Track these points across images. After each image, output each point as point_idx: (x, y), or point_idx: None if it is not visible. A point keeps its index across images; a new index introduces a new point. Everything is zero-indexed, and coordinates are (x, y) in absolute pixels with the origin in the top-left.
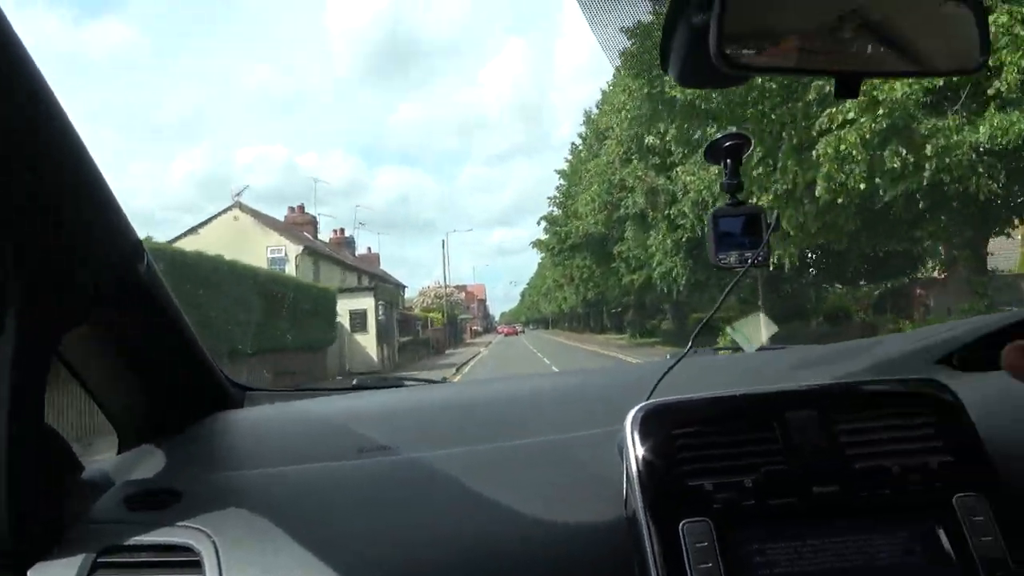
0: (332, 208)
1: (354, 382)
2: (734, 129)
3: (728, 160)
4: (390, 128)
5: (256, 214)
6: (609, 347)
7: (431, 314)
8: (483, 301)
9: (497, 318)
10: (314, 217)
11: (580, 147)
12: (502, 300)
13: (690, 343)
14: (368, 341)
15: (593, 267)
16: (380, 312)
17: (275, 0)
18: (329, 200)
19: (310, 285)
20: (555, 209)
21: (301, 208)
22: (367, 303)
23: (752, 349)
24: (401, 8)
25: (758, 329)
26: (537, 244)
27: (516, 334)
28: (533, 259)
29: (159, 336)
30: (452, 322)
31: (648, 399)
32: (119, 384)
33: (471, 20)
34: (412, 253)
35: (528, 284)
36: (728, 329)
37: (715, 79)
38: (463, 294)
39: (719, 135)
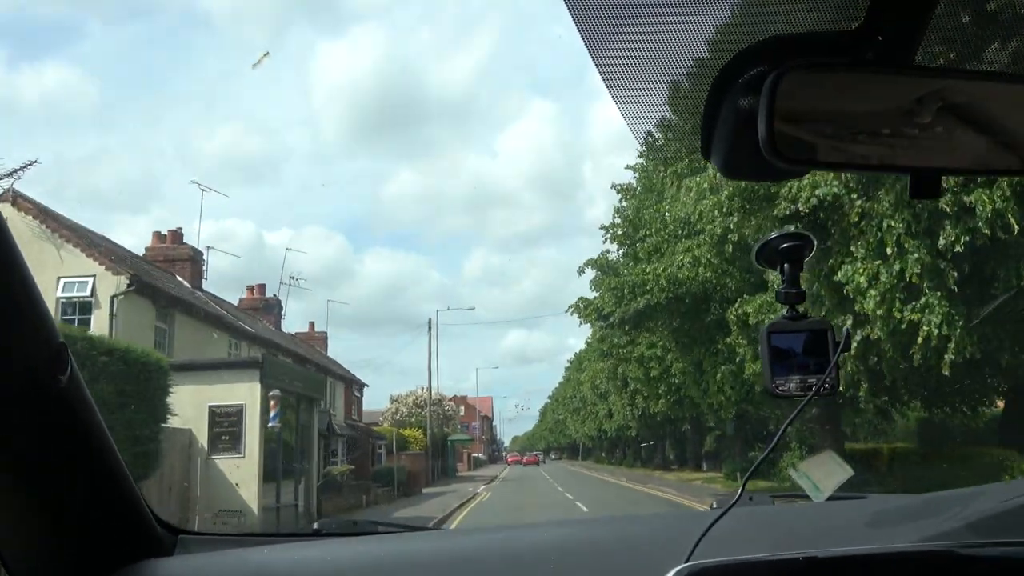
0: (307, 300)
1: (315, 526)
2: (792, 228)
3: (786, 265)
4: (383, 203)
5: (47, 214)
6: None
7: (408, 432)
8: (488, 419)
9: (507, 443)
10: (279, 301)
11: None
12: (514, 422)
13: (741, 488)
14: (245, 470)
15: (672, 353)
16: (275, 413)
17: (246, 45)
18: (303, 289)
19: (112, 344)
20: (613, 248)
21: (261, 289)
22: (248, 392)
23: (821, 498)
24: (403, 58)
25: (829, 473)
26: (579, 309)
27: (535, 463)
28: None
29: (77, 461)
30: (439, 445)
31: (688, 560)
32: (18, 517)
33: (488, 75)
34: (405, 359)
35: (552, 397)
36: (791, 472)
37: (765, 171)
38: (461, 407)
39: (774, 235)
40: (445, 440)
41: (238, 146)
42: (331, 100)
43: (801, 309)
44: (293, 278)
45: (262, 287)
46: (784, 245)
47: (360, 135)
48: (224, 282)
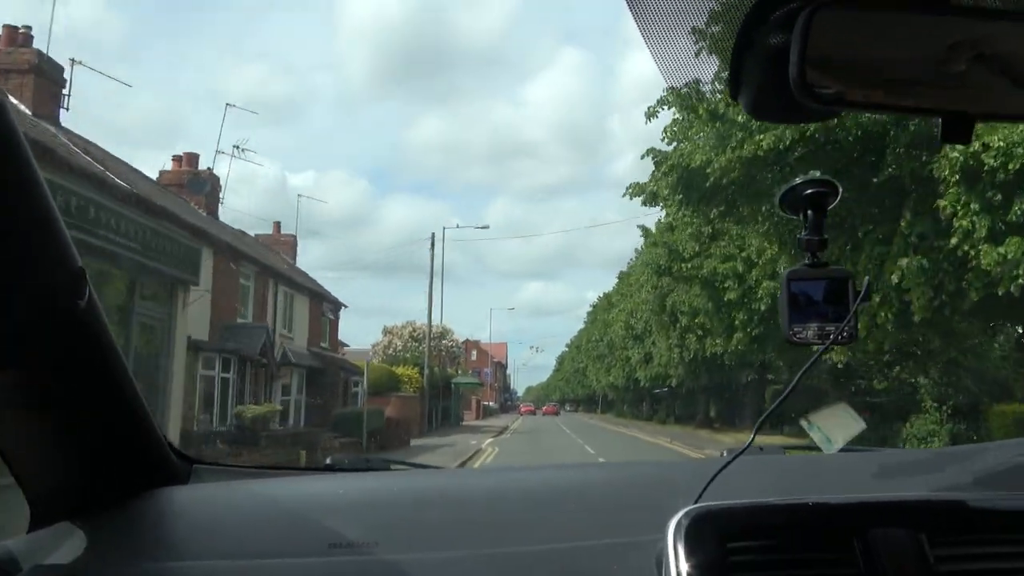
0: (331, 242)
1: (328, 461)
2: (818, 174)
3: (809, 212)
4: (406, 149)
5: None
6: None
7: (401, 370)
8: (502, 366)
9: (520, 393)
10: (214, 178)
11: None
12: (528, 372)
13: (752, 436)
14: None
15: (762, 267)
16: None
17: None
18: (326, 231)
19: None
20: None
21: (192, 160)
22: None
23: (832, 450)
24: (432, 1)
25: (842, 425)
26: (638, 189)
27: (554, 414)
28: (574, 325)
29: (94, 389)
30: (440, 388)
31: (696, 502)
32: (38, 444)
33: (516, 22)
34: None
35: (571, 345)
36: (804, 423)
37: (794, 112)
38: (473, 352)
39: (799, 180)
40: (449, 383)
41: (264, 86)
42: (358, 42)
43: (822, 257)
44: (237, 147)
45: (193, 157)
46: (808, 191)
47: (386, 79)
48: (244, 219)
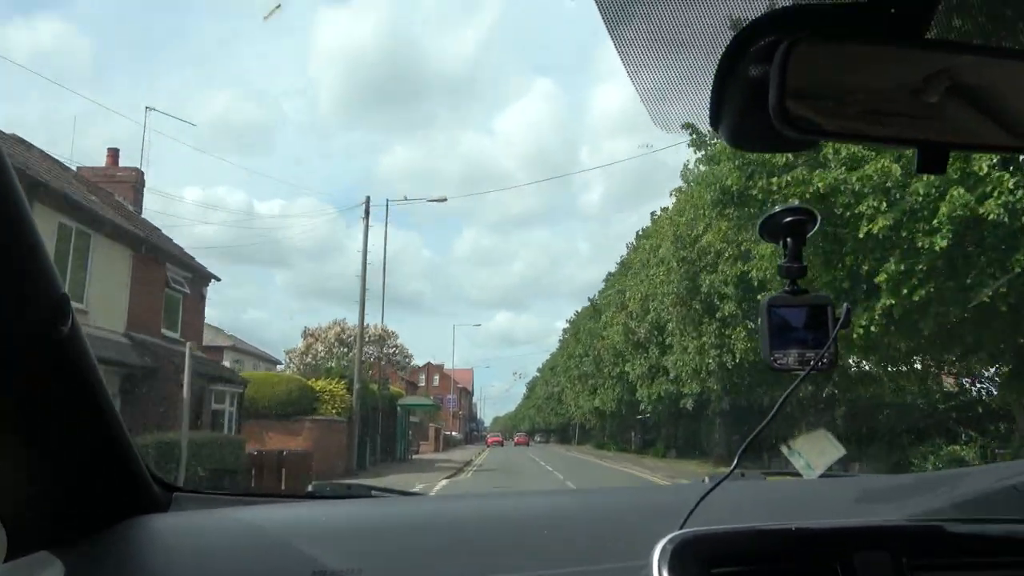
0: (298, 272)
1: (310, 488)
2: (796, 202)
3: (788, 239)
4: (377, 177)
5: None
6: None
7: (321, 384)
8: (468, 393)
9: (488, 424)
10: (140, 173)
11: None
12: (498, 402)
13: (735, 463)
14: None
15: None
16: None
17: (244, 8)
18: (294, 262)
19: None
20: None
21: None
22: None
23: (813, 475)
24: (405, 29)
25: (822, 451)
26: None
27: (525, 444)
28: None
29: (75, 415)
30: (380, 410)
31: (681, 528)
32: (17, 471)
33: (490, 51)
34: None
35: (545, 368)
36: (784, 449)
37: (774, 142)
38: (436, 377)
39: (778, 208)
40: (393, 404)
41: (233, 112)
42: (329, 69)
43: (801, 284)
44: None
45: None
46: (787, 219)
47: (356, 107)
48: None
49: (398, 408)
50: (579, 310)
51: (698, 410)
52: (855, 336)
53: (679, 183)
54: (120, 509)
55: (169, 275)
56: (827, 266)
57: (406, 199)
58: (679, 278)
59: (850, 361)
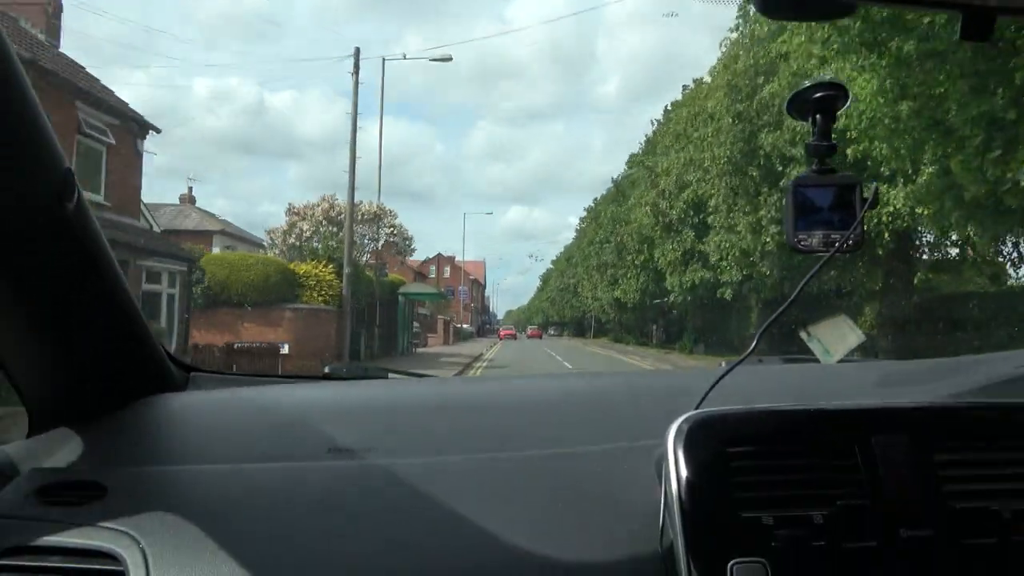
0: (310, 164)
1: (326, 370)
2: (828, 77)
3: (818, 116)
4: (389, 69)
5: None
6: None
7: (305, 268)
8: (480, 285)
9: (501, 317)
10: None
11: None
12: (511, 296)
13: (752, 346)
14: None
15: None
16: None
17: None
18: (306, 154)
19: None
20: None
21: None
22: None
23: (831, 360)
24: None
25: (841, 337)
26: None
27: (538, 337)
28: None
29: (87, 294)
30: (376, 299)
31: (697, 408)
32: (34, 351)
33: None
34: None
35: (560, 259)
36: (803, 335)
37: (809, 9)
38: (446, 268)
39: (808, 83)
40: (395, 293)
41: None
42: None
43: (830, 163)
44: None
45: None
46: (817, 95)
47: None
48: (227, 142)
49: (400, 297)
50: (598, 197)
51: (735, 300)
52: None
53: (696, 75)
54: (137, 388)
55: (82, 118)
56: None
57: (404, 57)
58: (732, 139)
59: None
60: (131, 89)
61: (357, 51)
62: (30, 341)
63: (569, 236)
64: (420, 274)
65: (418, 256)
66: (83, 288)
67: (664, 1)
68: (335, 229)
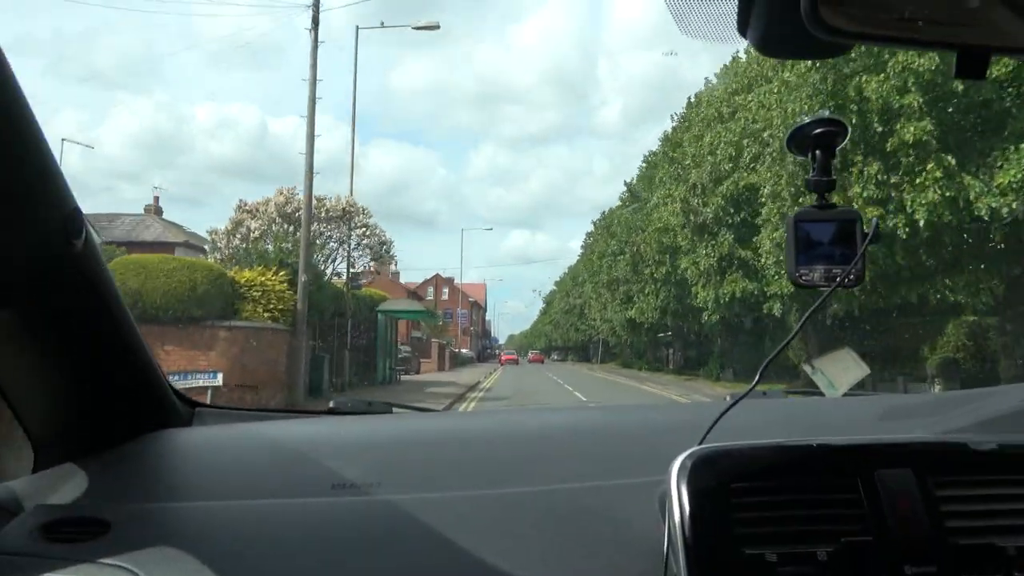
0: (313, 190)
1: (331, 404)
2: (827, 113)
3: (818, 152)
4: (391, 94)
5: None
6: None
7: (249, 275)
8: (480, 308)
9: (502, 341)
10: None
11: None
12: (514, 321)
13: (756, 380)
14: None
15: None
16: None
17: None
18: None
19: None
20: None
21: None
22: None
23: (836, 394)
24: None
25: (845, 370)
26: None
27: (540, 362)
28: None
29: (94, 330)
30: (348, 316)
31: (700, 444)
32: (41, 387)
33: None
34: (408, 251)
35: (565, 278)
36: (807, 368)
37: (806, 48)
38: (444, 290)
39: (808, 119)
40: (374, 310)
41: (244, 25)
42: None
43: (830, 198)
44: None
45: None
46: (817, 131)
47: (368, 18)
48: (234, 167)
49: (379, 316)
50: (605, 212)
51: (780, 318)
52: None
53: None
54: (142, 423)
55: None
56: None
57: (383, 24)
58: (812, 91)
59: None
60: (134, 116)
61: (316, 3)
62: (36, 377)
63: (571, 260)
64: (415, 295)
65: (415, 277)
66: (90, 324)
67: (664, 27)
68: (291, 228)
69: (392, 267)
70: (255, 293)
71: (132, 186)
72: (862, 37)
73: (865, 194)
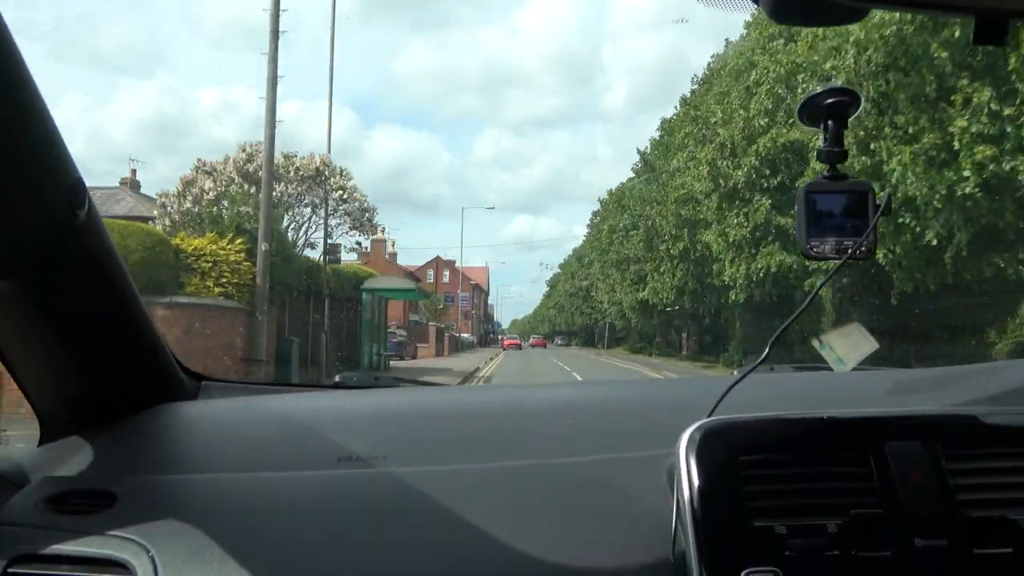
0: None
1: (337, 379)
2: (838, 83)
3: (829, 122)
4: (395, 78)
5: None
6: None
7: (198, 243)
8: (482, 291)
9: (506, 326)
10: None
11: None
12: (518, 306)
13: (764, 354)
14: None
15: None
16: None
17: None
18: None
19: None
20: None
21: None
22: None
23: (844, 369)
24: None
25: (854, 345)
26: None
27: (542, 346)
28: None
29: (99, 303)
30: (325, 294)
31: (709, 417)
32: (45, 359)
33: None
34: (411, 237)
35: (573, 258)
36: (816, 343)
37: (820, 14)
38: (445, 273)
39: (819, 89)
40: (359, 288)
41: (247, 9)
42: None
43: (842, 169)
44: None
45: None
46: (829, 101)
47: (374, 2)
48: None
49: (363, 295)
50: (613, 189)
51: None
52: None
53: None
54: (149, 397)
55: None
56: None
57: None
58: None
59: None
60: (136, 102)
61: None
62: (42, 350)
63: (576, 244)
64: (414, 277)
65: (417, 260)
66: (94, 297)
67: (670, 8)
68: (253, 189)
69: (389, 246)
70: (205, 264)
71: (135, 168)
72: (878, 1)
73: (974, 129)
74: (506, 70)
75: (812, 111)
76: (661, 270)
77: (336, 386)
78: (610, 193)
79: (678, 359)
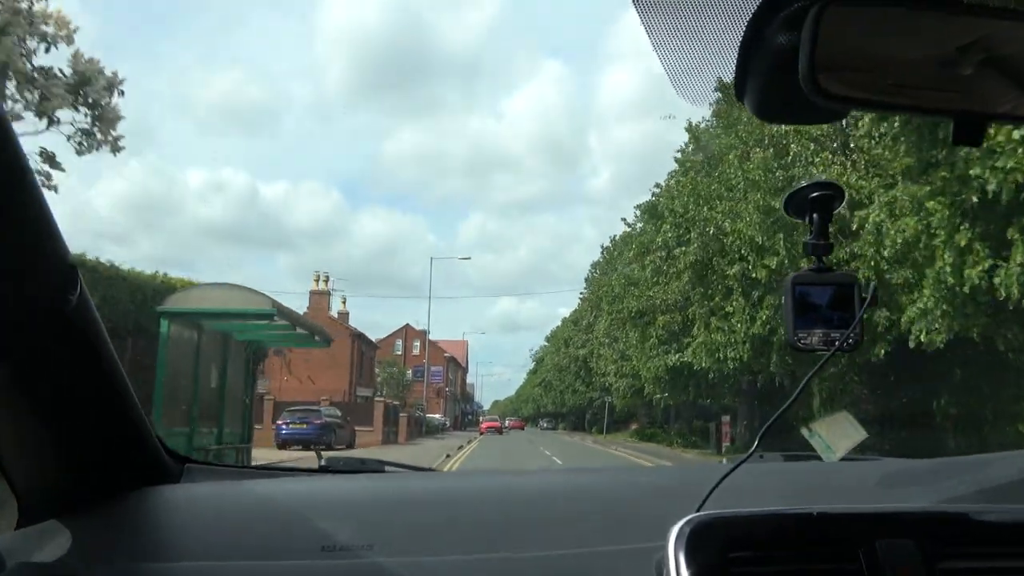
0: (301, 255)
1: (322, 463)
2: (823, 177)
3: (815, 215)
4: (382, 160)
5: None
6: None
7: None
8: (460, 367)
9: (487, 407)
10: None
11: None
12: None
13: (755, 443)
14: None
15: None
16: None
17: None
18: (297, 243)
19: None
20: None
21: None
22: None
23: (834, 458)
24: (413, 8)
25: (843, 434)
26: None
27: (520, 428)
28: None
29: (85, 385)
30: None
31: (698, 511)
32: (28, 440)
33: (499, 33)
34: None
35: (567, 323)
36: (805, 432)
37: (802, 113)
38: (416, 342)
39: (804, 183)
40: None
41: (237, 94)
42: (335, 50)
43: (827, 262)
44: None
45: None
46: (814, 194)
47: (362, 89)
48: (218, 232)
49: (163, 323)
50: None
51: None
52: None
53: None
54: (131, 480)
55: None
56: None
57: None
58: None
59: None
60: (123, 179)
61: None
62: (24, 431)
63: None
64: (373, 346)
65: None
66: (81, 379)
67: (655, 97)
68: None
69: (339, 304)
70: None
71: (119, 247)
72: (859, 103)
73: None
74: (493, 154)
75: (798, 204)
76: (728, 309)
77: (322, 470)
78: (613, 240)
79: (701, 449)
